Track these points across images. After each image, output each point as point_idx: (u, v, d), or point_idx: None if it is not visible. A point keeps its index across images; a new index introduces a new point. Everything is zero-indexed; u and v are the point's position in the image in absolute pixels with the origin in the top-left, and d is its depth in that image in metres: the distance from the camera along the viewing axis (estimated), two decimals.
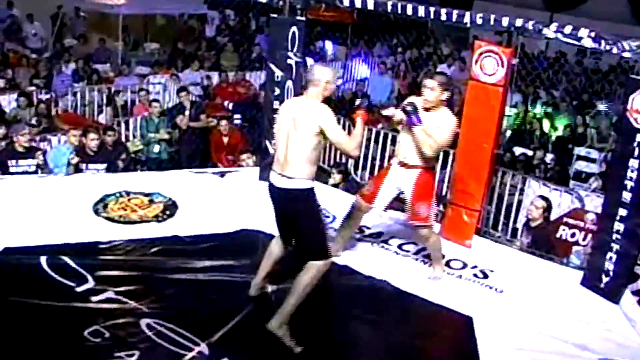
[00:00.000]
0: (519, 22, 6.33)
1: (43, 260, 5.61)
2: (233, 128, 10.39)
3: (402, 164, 5.87)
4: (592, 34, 5.98)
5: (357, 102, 5.32)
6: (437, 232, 6.35)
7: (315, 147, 4.86)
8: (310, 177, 4.90)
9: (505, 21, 6.40)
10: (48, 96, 11.46)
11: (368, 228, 6.87)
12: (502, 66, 6.43)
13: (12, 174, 7.68)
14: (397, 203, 6.10)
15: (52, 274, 5.48)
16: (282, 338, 4.90)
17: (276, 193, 5.00)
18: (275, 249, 5.37)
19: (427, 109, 5.75)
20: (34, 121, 9.80)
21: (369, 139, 9.69)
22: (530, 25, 6.30)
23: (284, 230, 5.25)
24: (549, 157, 10.78)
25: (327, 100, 5.01)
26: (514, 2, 17.23)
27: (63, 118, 10.81)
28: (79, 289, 5.30)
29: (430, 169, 5.91)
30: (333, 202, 7.34)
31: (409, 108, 5.65)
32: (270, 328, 4.92)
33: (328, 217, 7.00)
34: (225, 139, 9.90)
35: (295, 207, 4.97)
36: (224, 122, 10.08)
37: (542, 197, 7.43)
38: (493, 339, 5.29)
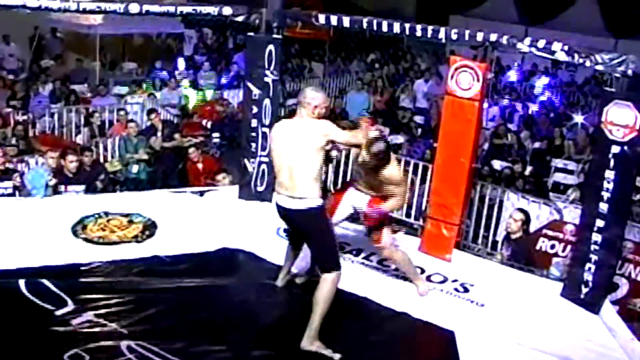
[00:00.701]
0: (493, 37, 6.39)
1: (22, 283, 5.56)
2: (205, 154, 10.32)
3: (357, 189, 5.92)
4: (566, 48, 6.05)
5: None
6: (402, 248, 6.28)
7: (321, 164, 5.04)
8: (319, 195, 5.06)
9: (479, 36, 6.45)
10: (25, 117, 11.39)
11: (348, 245, 6.88)
12: (478, 81, 6.48)
13: None
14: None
15: (31, 297, 5.43)
16: (320, 352, 5.03)
17: (290, 214, 5.16)
18: (291, 250, 5.86)
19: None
20: (13, 141, 9.74)
21: (347, 155, 9.69)
22: (504, 39, 6.37)
23: (295, 239, 5.71)
24: (528, 169, 10.84)
25: None
26: (489, 17, 17.40)
27: (41, 139, 10.75)
28: (58, 312, 5.24)
29: (382, 196, 5.83)
30: None
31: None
32: (305, 348, 5.04)
33: None
34: (200, 165, 9.82)
35: (308, 225, 5.16)
36: (192, 150, 9.96)
37: (521, 210, 7.47)
38: (475, 353, 5.30)
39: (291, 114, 5.82)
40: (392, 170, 5.66)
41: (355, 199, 5.90)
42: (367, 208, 5.76)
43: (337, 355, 5.00)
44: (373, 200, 5.76)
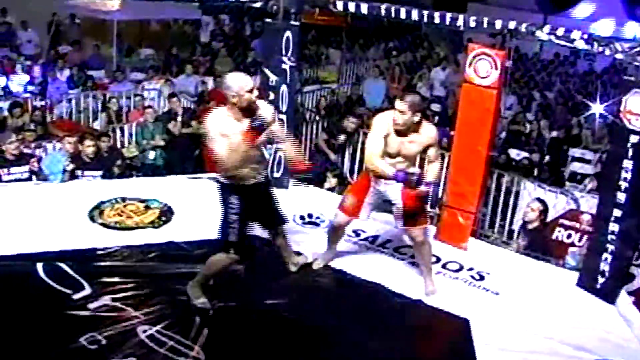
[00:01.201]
0: (512, 25, 6.35)
1: (39, 267, 5.62)
2: None
3: (385, 178, 5.61)
4: (585, 36, 6.01)
5: (255, 122, 4.81)
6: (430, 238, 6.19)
7: (226, 149, 4.88)
8: (226, 173, 5.09)
9: (498, 24, 6.41)
10: (43, 103, 11.44)
11: (364, 232, 6.88)
12: (496, 69, 6.44)
13: (5, 182, 7.66)
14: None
15: (49, 281, 5.49)
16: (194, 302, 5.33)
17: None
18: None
19: (403, 133, 5.49)
20: (32, 127, 9.79)
21: (363, 142, 9.68)
22: (523, 27, 6.32)
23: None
24: (546, 158, 10.78)
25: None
26: (507, 4, 17.30)
27: (58, 125, 10.79)
28: (75, 296, 5.30)
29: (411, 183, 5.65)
30: (329, 206, 7.35)
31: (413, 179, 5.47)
32: (188, 291, 5.37)
33: (324, 221, 7.03)
34: None
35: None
36: None
37: (539, 200, 7.45)
38: (490, 341, 5.30)
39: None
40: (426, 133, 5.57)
41: (385, 190, 5.68)
42: (403, 199, 5.59)
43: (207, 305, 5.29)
44: (407, 191, 5.55)
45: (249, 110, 4.94)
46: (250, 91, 4.92)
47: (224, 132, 4.86)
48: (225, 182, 5.15)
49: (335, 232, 6.14)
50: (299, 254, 6.16)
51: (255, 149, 5.10)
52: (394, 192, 5.61)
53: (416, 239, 5.80)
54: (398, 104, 5.40)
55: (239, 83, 4.92)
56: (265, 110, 5.08)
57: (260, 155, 5.30)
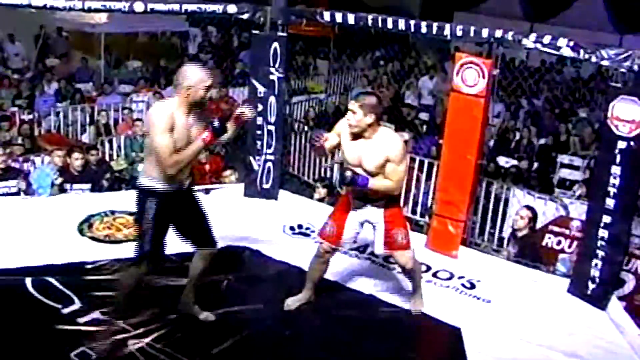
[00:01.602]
0: (498, 33, 6.38)
1: (28, 281, 5.58)
2: (213, 154, 10.25)
3: (364, 200, 5.31)
4: (571, 44, 6.04)
5: (215, 123, 4.62)
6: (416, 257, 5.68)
7: (157, 148, 4.55)
8: (156, 178, 4.68)
9: (485, 32, 6.44)
10: (31, 116, 11.40)
11: (355, 242, 6.86)
12: (484, 77, 6.47)
13: None
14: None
15: (38, 295, 5.45)
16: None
17: None
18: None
19: (359, 136, 5.12)
20: (19, 140, 9.76)
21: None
22: (509, 35, 6.35)
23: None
24: (534, 165, 10.82)
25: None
26: (493, 13, 17.38)
27: (46, 138, 10.76)
28: (65, 311, 5.26)
29: (395, 198, 5.37)
30: (318, 216, 7.34)
31: (347, 176, 5.06)
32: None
33: (314, 231, 7.01)
34: (207, 167, 9.75)
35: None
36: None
37: (527, 207, 7.46)
38: (482, 349, 5.30)
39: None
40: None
41: (365, 214, 5.36)
42: (388, 226, 5.29)
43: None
44: (391, 215, 5.29)
45: (199, 108, 4.68)
46: (208, 88, 4.63)
47: (170, 126, 4.52)
48: (144, 186, 4.71)
49: (316, 265, 5.60)
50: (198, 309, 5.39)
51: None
52: (375, 213, 5.31)
53: (406, 266, 5.47)
54: (350, 103, 5.15)
55: (198, 76, 4.58)
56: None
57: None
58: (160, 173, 4.63)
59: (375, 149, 5.07)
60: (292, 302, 5.62)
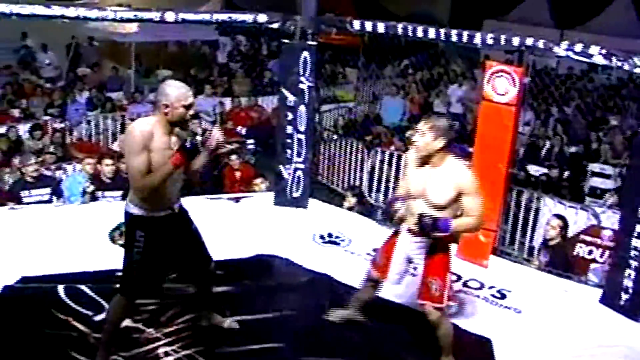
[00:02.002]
0: (529, 41, 6.33)
1: (61, 289, 5.64)
2: (244, 162, 10.27)
3: (412, 232, 4.90)
4: (603, 51, 5.98)
5: (187, 143, 4.27)
6: (448, 319, 5.18)
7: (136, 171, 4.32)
8: (140, 205, 4.47)
9: (515, 41, 6.40)
10: (62, 125, 11.54)
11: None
12: (514, 85, 6.43)
13: (27, 203, 7.72)
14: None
15: (70, 302, 5.51)
16: None
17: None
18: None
19: (424, 163, 4.78)
20: (51, 149, 9.88)
21: (382, 161, 9.70)
22: (541, 44, 6.31)
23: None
24: (565, 174, 10.73)
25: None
26: (523, 21, 17.28)
27: (77, 147, 10.90)
28: (96, 318, 5.30)
29: (445, 245, 4.92)
30: (348, 225, 7.36)
31: (427, 223, 4.62)
32: None
33: (344, 240, 7.02)
34: (238, 174, 9.78)
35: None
36: (234, 157, 9.75)
37: (558, 216, 7.41)
38: None
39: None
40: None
41: (410, 247, 4.96)
42: (426, 272, 4.89)
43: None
44: (435, 261, 4.87)
45: (181, 127, 4.44)
46: (187, 107, 4.38)
47: (148, 145, 4.29)
48: (133, 213, 4.48)
49: (365, 288, 5.35)
50: (222, 314, 5.38)
51: (178, 174, 4.50)
52: (418, 252, 4.94)
53: (430, 318, 4.93)
54: (420, 123, 4.78)
55: (176, 93, 4.33)
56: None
57: (180, 182, 4.67)
58: (145, 199, 4.43)
59: (444, 179, 4.66)
60: (336, 314, 5.51)
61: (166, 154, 4.33)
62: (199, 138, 4.44)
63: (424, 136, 4.68)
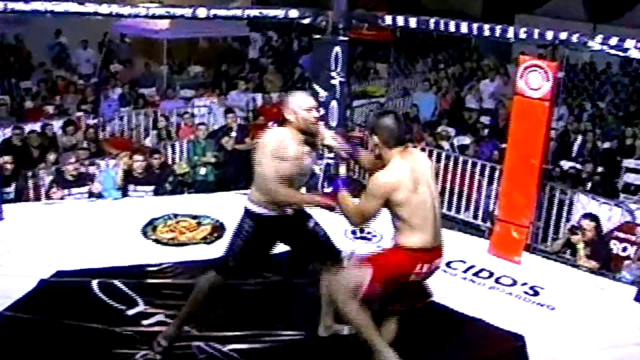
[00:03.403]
0: (563, 35, 6.28)
1: (94, 283, 5.70)
2: None
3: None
4: (639, 45, 5.90)
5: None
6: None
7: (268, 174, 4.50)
8: (257, 203, 4.65)
9: (549, 35, 6.34)
10: (95, 121, 11.64)
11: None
12: (548, 80, 6.36)
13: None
14: None
15: (104, 297, 5.56)
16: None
17: None
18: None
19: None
20: (85, 145, 9.98)
21: None
22: (575, 37, 6.25)
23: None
24: (598, 169, 10.59)
25: None
26: (555, 15, 17.09)
27: (110, 142, 10.99)
28: (129, 312, 5.35)
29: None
30: (380, 220, 7.32)
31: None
32: None
33: (375, 236, 7.00)
34: None
35: None
36: None
37: (589, 217, 7.26)
38: (546, 358, 5.20)
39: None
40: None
41: None
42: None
43: None
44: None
45: (310, 136, 4.62)
46: (309, 110, 4.58)
47: (283, 154, 4.46)
48: (247, 209, 4.71)
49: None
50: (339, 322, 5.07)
51: (305, 178, 4.76)
52: None
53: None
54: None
55: (299, 102, 4.61)
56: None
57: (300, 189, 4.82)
58: (261, 198, 4.60)
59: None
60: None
61: (299, 163, 4.54)
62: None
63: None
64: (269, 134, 4.61)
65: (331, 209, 4.44)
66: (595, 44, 6.14)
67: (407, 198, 4.28)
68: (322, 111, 7.43)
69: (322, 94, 7.50)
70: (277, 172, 4.44)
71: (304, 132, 4.57)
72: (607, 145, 11.95)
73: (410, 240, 4.37)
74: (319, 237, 4.94)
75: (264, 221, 4.65)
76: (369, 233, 7.12)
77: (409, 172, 4.29)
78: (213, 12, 7.25)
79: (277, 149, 4.46)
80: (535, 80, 6.41)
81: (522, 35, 6.51)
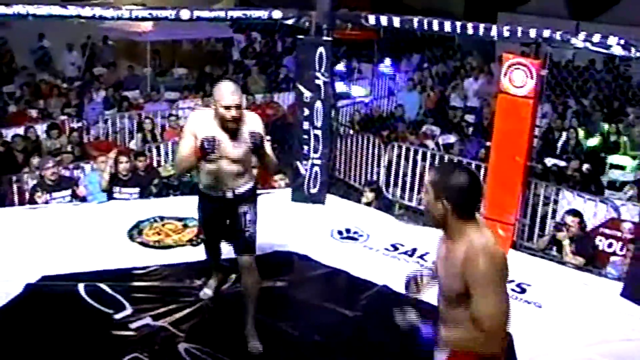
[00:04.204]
0: (546, 33, 6.30)
1: (81, 287, 5.67)
2: None
3: None
4: (622, 42, 5.94)
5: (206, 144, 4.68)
6: None
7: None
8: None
9: (532, 32, 6.37)
10: (80, 124, 11.59)
11: (402, 245, 6.85)
12: (532, 78, 6.39)
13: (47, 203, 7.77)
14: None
15: (91, 301, 5.53)
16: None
17: None
18: None
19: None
20: (69, 148, 9.92)
21: (399, 156, 9.67)
22: (558, 35, 6.28)
23: None
24: (584, 167, 10.63)
25: None
26: (538, 13, 17.16)
27: (95, 145, 10.94)
28: (117, 316, 5.33)
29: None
30: (366, 220, 7.35)
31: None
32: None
33: (362, 235, 7.01)
34: (254, 170, 9.66)
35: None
36: None
37: (572, 213, 7.29)
38: (534, 355, 5.21)
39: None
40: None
41: None
42: None
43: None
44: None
45: (232, 124, 4.75)
46: (227, 108, 4.69)
47: (195, 132, 4.77)
48: (199, 186, 5.15)
49: None
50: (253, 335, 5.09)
51: (233, 164, 4.88)
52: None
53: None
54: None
55: (217, 93, 4.76)
56: (254, 123, 4.90)
57: (237, 172, 4.95)
58: (202, 179, 5.05)
59: (456, 262, 3.18)
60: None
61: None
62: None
63: (427, 194, 3.27)
64: (194, 113, 5.13)
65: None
66: (578, 41, 6.17)
67: None
68: (306, 112, 7.45)
69: (307, 94, 7.50)
70: (184, 144, 4.81)
71: (221, 119, 4.76)
72: (591, 142, 12.00)
73: None
74: (242, 230, 5.07)
75: (208, 200, 5.10)
76: (355, 233, 7.13)
77: None
78: (196, 13, 7.23)
79: (190, 125, 4.89)
80: (519, 78, 6.43)
81: (506, 34, 6.53)
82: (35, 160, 8.87)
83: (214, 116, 4.79)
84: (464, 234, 3.16)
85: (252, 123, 4.90)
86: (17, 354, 4.84)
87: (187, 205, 7.46)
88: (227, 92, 4.70)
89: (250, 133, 4.81)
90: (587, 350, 5.34)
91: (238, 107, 4.73)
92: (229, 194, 4.98)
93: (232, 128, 4.75)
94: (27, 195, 8.17)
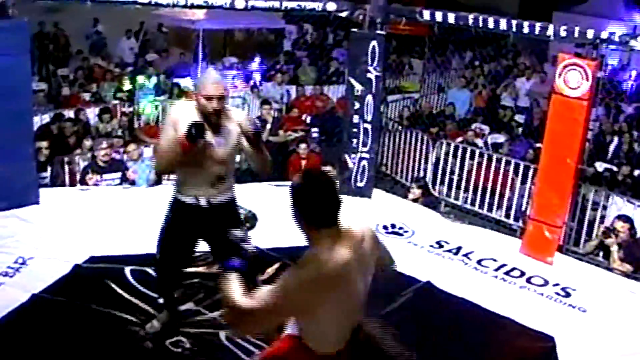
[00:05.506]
0: (604, 34, 6.21)
1: (127, 270, 5.75)
2: (312, 151, 10.22)
3: None
4: None
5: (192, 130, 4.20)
6: None
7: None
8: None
9: (590, 33, 6.28)
10: (131, 109, 11.73)
11: (447, 243, 6.81)
12: (587, 79, 6.29)
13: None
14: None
15: (136, 284, 5.61)
16: None
17: None
18: None
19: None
20: (119, 132, 10.05)
21: (447, 153, 9.60)
22: (616, 36, 6.17)
23: None
24: (636, 172, 10.43)
25: None
26: (594, 13, 16.89)
27: (145, 131, 11.06)
28: (161, 300, 5.38)
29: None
30: (412, 216, 7.33)
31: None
32: None
33: (407, 231, 6.99)
34: (304, 162, 9.74)
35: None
36: (303, 146, 9.51)
37: (623, 219, 7.17)
38: (574, 359, 5.16)
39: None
40: None
41: None
42: None
43: None
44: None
45: (213, 116, 4.33)
46: (209, 99, 4.29)
47: (177, 125, 4.32)
48: (174, 189, 4.68)
49: None
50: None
51: (214, 164, 4.46)
52: None
53: None
54: None
55: (201, 83, 4.40)
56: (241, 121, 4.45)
57: (217, 175, 4.54)
58: (176, 180, 4.66)
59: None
60: None
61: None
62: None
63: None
64: (176, 105, 4.72)
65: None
66: (638, 42, 6.06)
67: None
68: (357, 105, 7.44)
69: (358, 88, 7.49)
70: (164, 137, 4.38)
71: (203, 111, 4.34)
72: None
73: None
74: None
75: (179, 208, 4.63)
76: (400, 228, 7.11)
77: None
78: (251, 3, 7.26)
79: (170, 117, 4.43)
80: (574, 79, 6.34)
81: (563, 34, 6.44)
82: (88, 143, 9.01)
83: (195, 108, 4.37)
84: (312, 245, 3.12)
85: (239, 120, 4.46)
86: (62, 332, 4.94)
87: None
88: (209, 81, 4.33)
89: (248, 118, 4.48)
90: (629, 356, 5.29)
91: (220, 98, 4.31)
92: (203, 202, 4.55)
93: (214, 122, 4.33)
94: (78, 176, 8.30)
